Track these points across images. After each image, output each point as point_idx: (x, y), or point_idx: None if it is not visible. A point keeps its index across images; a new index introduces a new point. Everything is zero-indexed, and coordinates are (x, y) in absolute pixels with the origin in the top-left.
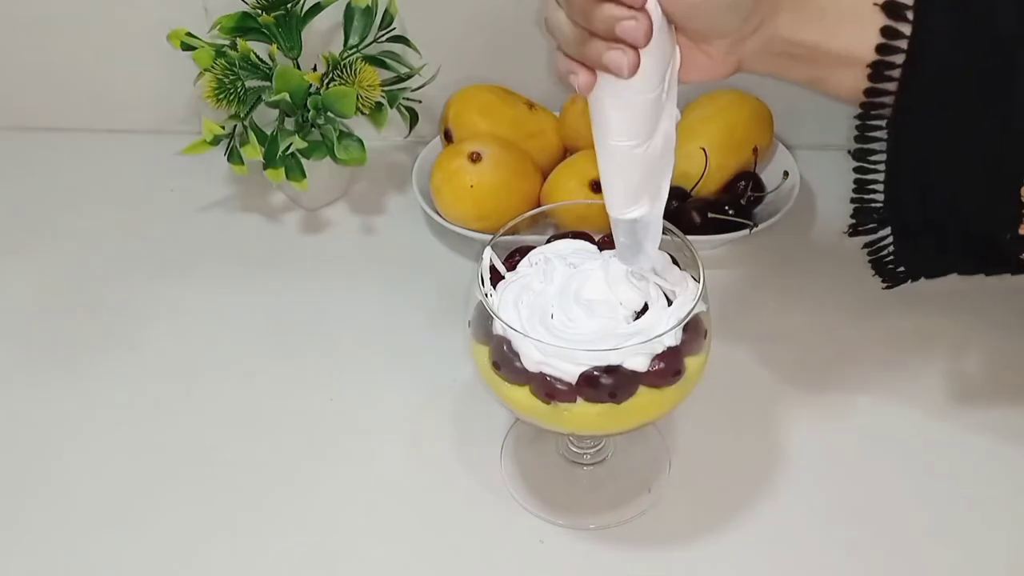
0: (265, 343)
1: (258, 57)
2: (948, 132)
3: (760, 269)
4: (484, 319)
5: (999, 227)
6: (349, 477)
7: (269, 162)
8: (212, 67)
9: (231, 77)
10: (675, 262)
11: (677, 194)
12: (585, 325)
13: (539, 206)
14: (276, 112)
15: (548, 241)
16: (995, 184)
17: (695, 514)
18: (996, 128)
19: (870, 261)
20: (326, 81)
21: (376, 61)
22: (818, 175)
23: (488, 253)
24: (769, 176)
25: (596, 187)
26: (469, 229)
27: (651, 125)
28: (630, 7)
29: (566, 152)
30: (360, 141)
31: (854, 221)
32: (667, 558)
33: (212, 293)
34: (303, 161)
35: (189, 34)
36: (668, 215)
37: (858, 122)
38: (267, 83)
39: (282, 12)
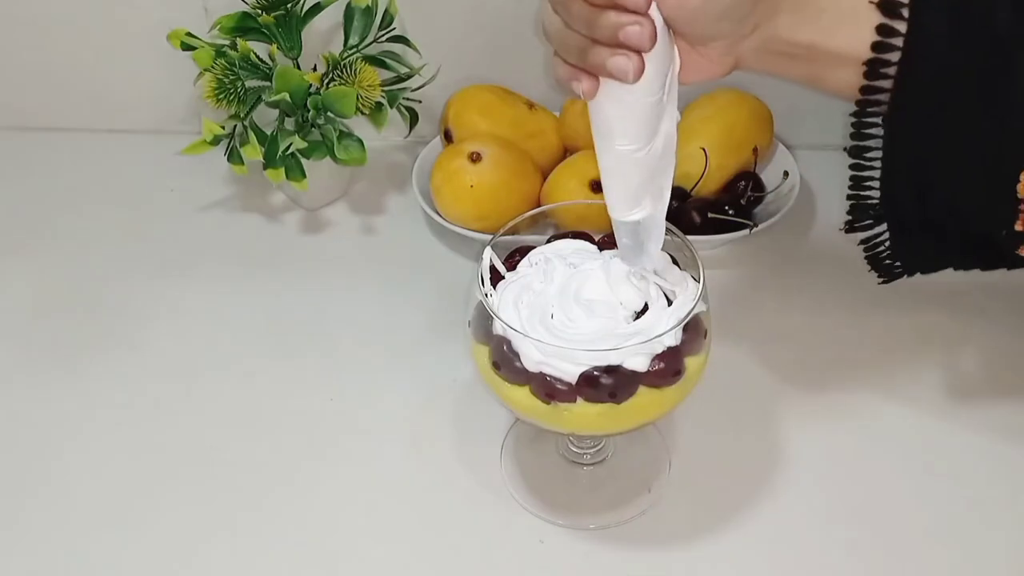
0: (265, 343)
1: (258, 57)
2: (946, 132)
3: (760, 269)
4: (484, 319)
5: (997, 226)
6: (349, 477)
7: (269, 162)
8: (212, 67)
9: (231, 77)
10: (675, 262)
11: (677, 194)
12: (585, 325)
13: (539, 206)
14: (276, 112)
15: (548, 241)
16: (994, 184)
17: (695, 514)
18: (994, 128)
19: (866, 257)
20: (326, 81)
21: (376, 61)
22: (818, 175)
23: (488, 253)
24: (769, 176)
25: (596, 187)
26: (469, 229)
27: (652, 128)
28: (633, 12)
29: (566, 152)
30: (360, 141)
31: (850, 217)
32: (667, 558)
33: (212, 293)
34: (303, 161)
35: (189, 34)
36: (668, 215)
37: (854, 119)
38: (267, 83)
39: (282, 12)
